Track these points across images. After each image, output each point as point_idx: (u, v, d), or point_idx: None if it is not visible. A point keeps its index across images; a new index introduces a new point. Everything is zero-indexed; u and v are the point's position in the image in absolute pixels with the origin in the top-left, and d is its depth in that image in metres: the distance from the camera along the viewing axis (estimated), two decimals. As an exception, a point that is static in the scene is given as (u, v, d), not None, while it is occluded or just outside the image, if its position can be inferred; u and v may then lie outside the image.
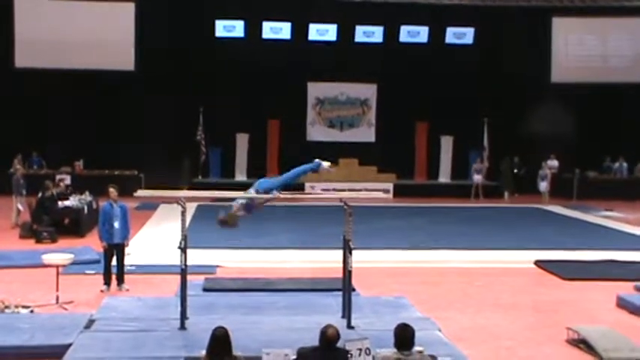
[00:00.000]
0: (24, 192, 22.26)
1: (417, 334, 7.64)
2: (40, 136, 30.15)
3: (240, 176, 31.35)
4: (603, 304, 14.00)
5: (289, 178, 11.47)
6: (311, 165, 11.49)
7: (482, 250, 19.16)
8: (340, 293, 12.00)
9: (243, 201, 11.21)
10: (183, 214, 11.30)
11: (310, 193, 29.05)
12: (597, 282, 15.77)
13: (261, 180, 11.54)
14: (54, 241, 19.39)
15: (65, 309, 12.81)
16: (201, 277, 14.76)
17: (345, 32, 32.84)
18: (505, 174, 32.25)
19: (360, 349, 8.07)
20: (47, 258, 13.65)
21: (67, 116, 30.38)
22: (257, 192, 11.22)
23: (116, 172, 29.21)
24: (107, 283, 14.37)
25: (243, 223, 19.33)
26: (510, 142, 32.06)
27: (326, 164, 11.49)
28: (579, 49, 33.97)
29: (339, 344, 7.75)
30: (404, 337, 7.53)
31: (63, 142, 30.08)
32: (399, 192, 31.13)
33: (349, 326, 11.12)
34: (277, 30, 32.75)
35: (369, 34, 33.17)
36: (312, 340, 7.80)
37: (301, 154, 31.73)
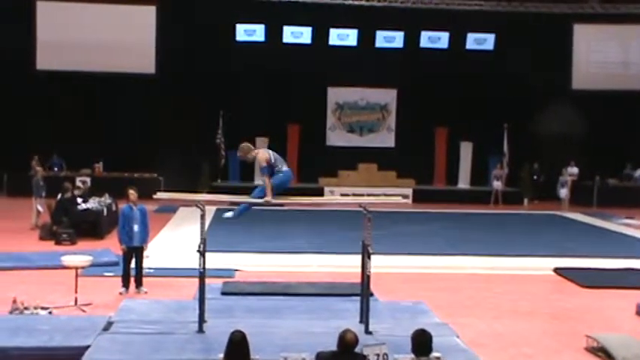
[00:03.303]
0: (43, 194, 22.38)
1: (435, 340, 7.62)
2: (61, 137, 30.25)
3: (260, 180, 31.28)
4: (623, 312, 13.93)
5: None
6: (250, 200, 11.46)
7: (502, 256, 19.09)
8: (358, 298, 11.98)
9: (274, 155, 11.31)
10: (202, 217, 11.31)
11: (329, 198, 29.14)
12: (617, 290, 15.69)
13: (290, 177, 11.49)
14: (73, 242, 19.46)
15: (84, 311, 12.85)
16: (220, 281, 14.77)
17: (366, 37, 32.85)
18: (525, 180, 32.18)
19: (378, 355, 8.06)
20: (66, 260, 13.71)
21: (88, 118, 30.53)
22: (280, 162, 11.29)
23: (135, 175, 29.25)
24: (126, 285, 14.42)
25: (262, 226, 19.33)
26: (530, 148, 31.97)
27: (228, 214, 11.64)
28: (600, 56, 33.84)
29: (357, 349, 7.74)
30: (421, 342, 7.52)
31: (83, 144, 30.20)
32: (418, 197, 31.15)
33: (367, 331, 11.09)
34: (298, 34, 32.80)
35: (390, 39, 33.16)
36: (330, 344, 7.79)
37: (321, 159, 32.18)
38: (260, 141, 31.46)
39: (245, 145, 11.54)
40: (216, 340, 9.96)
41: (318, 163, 32.25)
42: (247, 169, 31.26)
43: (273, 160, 11.15)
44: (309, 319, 12.19)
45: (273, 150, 11.60)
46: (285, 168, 11.27)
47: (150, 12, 31.96)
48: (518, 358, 11.09)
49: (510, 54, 32.24)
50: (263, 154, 11.19)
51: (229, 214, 11.70)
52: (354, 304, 12.35)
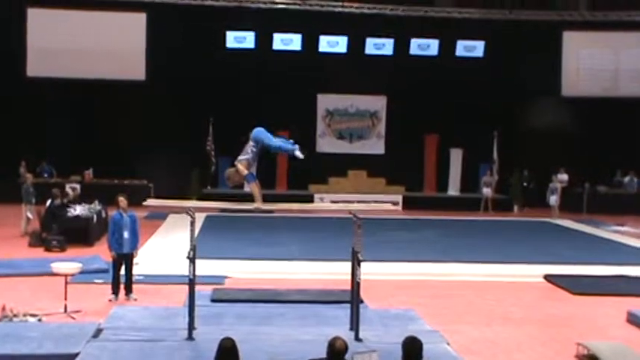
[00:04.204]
0: (33, 200, 22.29)
1: (425, 347, 7.60)
2: (50, 144, 30.19)
3: (249, 188, 31.17)
4: (613, 320, 13.94)
5: (274, 146, 11.30)
6: (291, 146, 11.27)
7: (492, 263, 19.05)
8: (349, 305, 11.98)
9: (248, 156, 11.08)
10: (192, 224, 11.30)
11: (319, 205, 29.13)
12: (607, 297, 15.70)
13: (259, 129, 11.36)
14: (63, 249, 19.39)
15: (73, 318, 12.81)
16: (210, 288, 14.74)
17: (356, 44, 32.86)
18: (515, 187, 32.23)
19: (368, 362, 8.02)
20: (56, 267, 13.66)
21: (78, 125, 30.46)
22: (252, 141, 11.11)
23: (126, 182, 29.23)
24: (115, 292, 14.37)
25: (252, 233, 19.30)
26: (520, 155, 32.04)
27: (299, 154, 11.27)
28: (590, 63, 33.92)
29: (347, 356, 7.71)
30: (412, 350, 7.49)
31: (73, 151, 30.17)
32: (408, 204, 31.10)
33: (357, 338, 11.09)
34: (288, 41, 32.80)
35: (380, 46, 33.19)
36: (320, 352, 7.77)
37: (310, 166, 32.12)
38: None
39: (227, 173, 11.36)
40: (205, 347, 9.95)
41: (308, 170, 32.22)
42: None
43: (250, 154, 11.06)
44: (299, 326, 12.19)
45: (263, 156, 11.42)
46: (251, 142, 11.13)
47: (140, 19, 31.92)
48: (508, 365, 11.09)
49: (500, 61, 32.34)
50: (239, 163, 11.06)
51: (299, 154, 11.34)
52: (344, 312, 12.36)
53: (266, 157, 11.50)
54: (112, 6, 31.39)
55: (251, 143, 11.12)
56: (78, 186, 28.37)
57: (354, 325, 11.39)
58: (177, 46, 30.91)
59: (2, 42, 30.41)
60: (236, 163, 11.06)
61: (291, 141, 11.39)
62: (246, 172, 10.98)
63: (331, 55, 32.91)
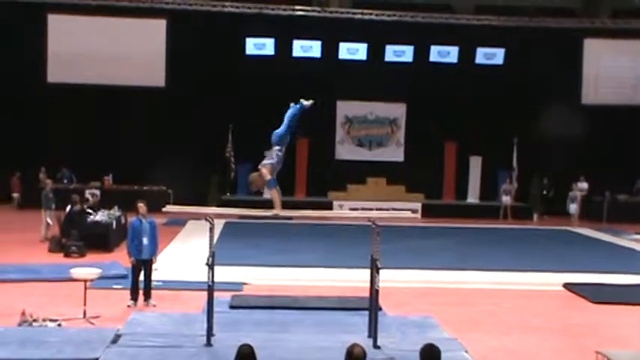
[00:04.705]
0: (53, 206, 22.40)
1: (444, 355, 7.55)
2: (71, 150, 30.33)
3: (269, 194, 31.22)
4: (633, 329, 13.85)
5: (289, 126, 11.37)
6: (298, 107, 11.53)
7: (511, 271, 18.97)
8: (367, 312, 11.96)
9: (273, 161, 11.07)
10: (211, 230, 11.30)
11: (338, 212, 29.11)
12: (627, 306, 15.61)
13: (274, 132, 11.41)
14: (82, 255, 19.46)
15: (92, 323, 12.85)
16: (228, 294, 14.75)
17: (375, 51, 32.84)
18: (534, 195, 32.11)
19: (387, 369, 8.01)
20: (75, 272, 13.71)
21: (97, 131, 30.55)
22: (276, 145, 11.17)
23: (145, 188, 29.33)
24: (134, 298, 14.40)
25: (271, 240, 19.31)
26: (540, 163, 31.90)
27: (307, 102, 11.52)
28: (611, 71, 33.75)
29: (366, 364, 7.69)
30: (430, 357, 7.45)
31: (93, 157, 30.26)
32: (427, 212, 30.97)
33: (375, 346, 11.06)
34: (307, 48, 32.81)
35: (399, 53, 33.16)
36: (338, 358, 7.76)
37: (330, 173, 32.12)
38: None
39: (251, 177, 11.36)
40: (224, 353, 9.96)
41: (327, 177, 32.25)
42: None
43: (274, 159, 11.06)
44: (317, 333, 12.19)
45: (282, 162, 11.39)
46: (275, 147, 11.19)
47: (160, 25, 32.04)
48: (527, 374, 11.04)
49: (520, 69, 32.23)
50: (263, 168, 11.04)
51: (307, 103, 11.66)
52: (362, 319, 12.34)
53: (286, 163, 11.45)
54: (133, 12, 31.54)
55: (275, 148, 11.13)
56: (97, 192, 28.55)
57: (373, 332, 11.36)
58: (196, 52, 30.97)
59: (23, 48, 30.56)
60: (260, 167, 11.05)
61: (291, 104, 11.57)
62: (269, 177, 10.96)
63: (351, 62, 32.90)
